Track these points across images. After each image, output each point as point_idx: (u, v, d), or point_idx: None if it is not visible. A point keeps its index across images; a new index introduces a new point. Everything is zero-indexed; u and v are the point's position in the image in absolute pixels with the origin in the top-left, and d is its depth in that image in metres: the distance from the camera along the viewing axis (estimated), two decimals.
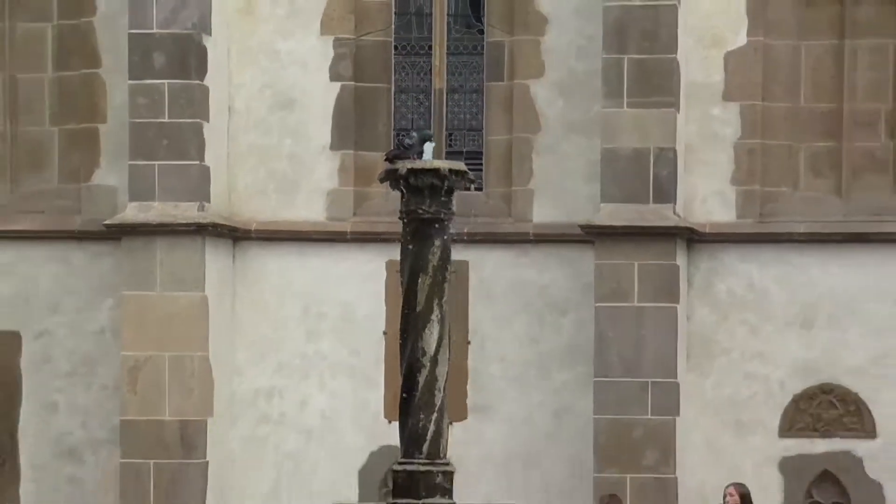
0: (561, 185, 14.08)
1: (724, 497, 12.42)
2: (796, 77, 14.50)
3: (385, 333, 13.12)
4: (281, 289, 14.46)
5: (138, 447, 13.52)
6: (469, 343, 13.54)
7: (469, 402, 13.69)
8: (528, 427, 13.86)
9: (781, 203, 14.24)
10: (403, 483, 7.55)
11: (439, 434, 7.37)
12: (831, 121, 14.69)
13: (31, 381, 14.62)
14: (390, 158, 8.63)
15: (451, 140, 14.23)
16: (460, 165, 7.69)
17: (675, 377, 13.43)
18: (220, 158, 14.35)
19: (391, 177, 7.53)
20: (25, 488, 14.71)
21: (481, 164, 14.13)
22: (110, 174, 14.29)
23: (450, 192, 7.39)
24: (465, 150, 14.27)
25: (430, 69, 14.89)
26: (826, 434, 13.89)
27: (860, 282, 14.05)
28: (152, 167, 13.61)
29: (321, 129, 14.49)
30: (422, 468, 7.35)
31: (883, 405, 13.77)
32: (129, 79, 13.76)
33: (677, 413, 13.40)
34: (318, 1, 14.68)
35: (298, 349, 14.36)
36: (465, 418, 13.34)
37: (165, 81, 13.63)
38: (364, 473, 13.55)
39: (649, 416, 13.34)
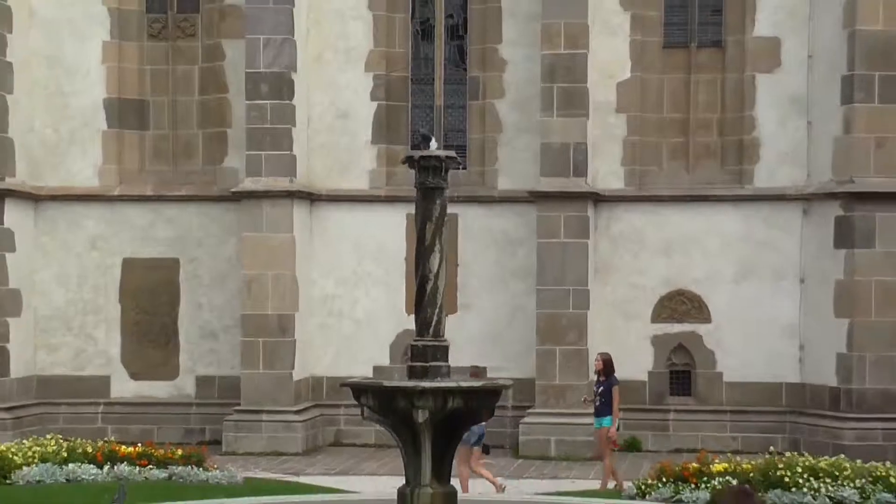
0: (515, 166, 15.75)
1: (595, 361, 13.68)
2: (661, 98, 16.02)
3: (406, 259, 14.51)
4: (340, 231, 16.04)
5: (252, 330, 15.26)
6: (458, 265, 15.16)
7: (458, 302, 15.30)
8: (495, 318, 15.63)
9: (651, 177, 15.93)
10: (417, 353, 8.07)
11: (440, 322, 7.78)
12: (683, 125, 16.28)
13: (185, 289, 16.32)
14: (415, 145, 9.48)
15: (446, 137, 15.51)
16: (451, 153, 8.11)
17: (587, 286, 15.09)
18: (303, 150, 15.82)
19: (409, 160, 7.93)
20: (182, 357, 16.40)
21: (465, 153, 15.66)
22: (234, 160, 15.93)
23: (446, 170, 7.80)
24: (455, 143, 15.60)
25: (434, 93, 16.45)
26: (680, 321, 15.58)
27: (700, 225, 15.75)
28: (260, 156, 15.20)
29: (365, 131, 16.06)
30: (429, 343, 7.78)
31: (714, 303, 15.52)
32: (246, 100, 15.39)
33: (588, 308, 15.09)
34: (363, 51, 16.09)
35: (351, 269, 15.95)
36: (455, 312, 14.81)
37: (268, 102, 15.18)
38: (392, 347, 15.27)
39: (570, 311, 14.94)
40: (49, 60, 16.50)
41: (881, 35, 14.46)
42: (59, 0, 16.39)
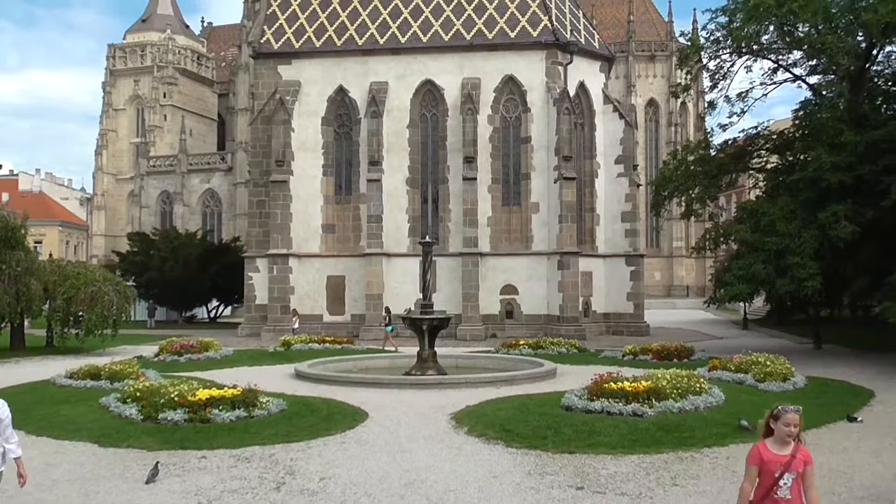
0: (455, 244, 21.05)
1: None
2: (505, 223, 21.27)
3: (419, 275, 15.36)
4: (397, 266, 21.26)
5: (369, 298, 20.33)
6: (436, 277, 18.60)
7: (437, 288, 17.99)
8: (448, 294, 20.02)
9: (499, 247, 21.11)
10: (422, 305, 10.70)
11: (430, 295, 10.58)
12: (507, 231, 21.10)
13: (347, 285, 20.76)
14: (424, 241, 11.73)
15: (431, 235, 17.26)
16: (433, 240, 12.05)
17: (478, 282, 20.31)
18: (386, 240, 20.84)
19: (421, 242, 11.20)
20: (346, 307, 21.04)
21: (438, 240, 20.13)
22: (363, 242, 21.05)
23: (431, 245, 11.06)
24: (435, 236, 19.20)
25: (428, 221, 21.45)
26: (509, 294, 20.66)
27: (515, 264, 21.04)
28: (371, 242, 20.67)
29: (406, 232, 21.38)
30: (426, 303, 10.44)
31: (520, 288, 20.80)
32: (366, 223, 20.82)
33: (479, 290, 20.40)
34: (405, 207, 21.37)
35: (400, 278, 20.95)
36: (436, 292, 15.46)
37: (374, 224, 20.76)
38: (414, 304, 15.96)
39: (473, 291, 20.25)
40: (303, 210, 22.01)
41: (572, 202, 20.27)
42: (304, 187, 21.45)
